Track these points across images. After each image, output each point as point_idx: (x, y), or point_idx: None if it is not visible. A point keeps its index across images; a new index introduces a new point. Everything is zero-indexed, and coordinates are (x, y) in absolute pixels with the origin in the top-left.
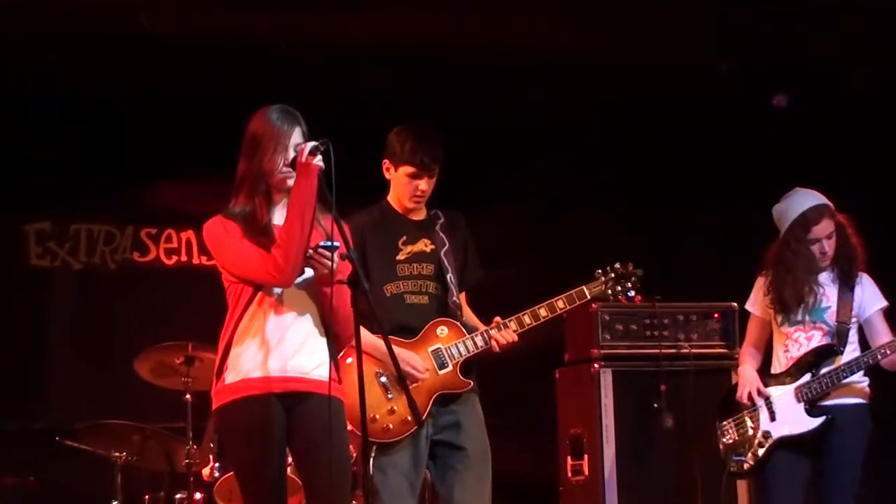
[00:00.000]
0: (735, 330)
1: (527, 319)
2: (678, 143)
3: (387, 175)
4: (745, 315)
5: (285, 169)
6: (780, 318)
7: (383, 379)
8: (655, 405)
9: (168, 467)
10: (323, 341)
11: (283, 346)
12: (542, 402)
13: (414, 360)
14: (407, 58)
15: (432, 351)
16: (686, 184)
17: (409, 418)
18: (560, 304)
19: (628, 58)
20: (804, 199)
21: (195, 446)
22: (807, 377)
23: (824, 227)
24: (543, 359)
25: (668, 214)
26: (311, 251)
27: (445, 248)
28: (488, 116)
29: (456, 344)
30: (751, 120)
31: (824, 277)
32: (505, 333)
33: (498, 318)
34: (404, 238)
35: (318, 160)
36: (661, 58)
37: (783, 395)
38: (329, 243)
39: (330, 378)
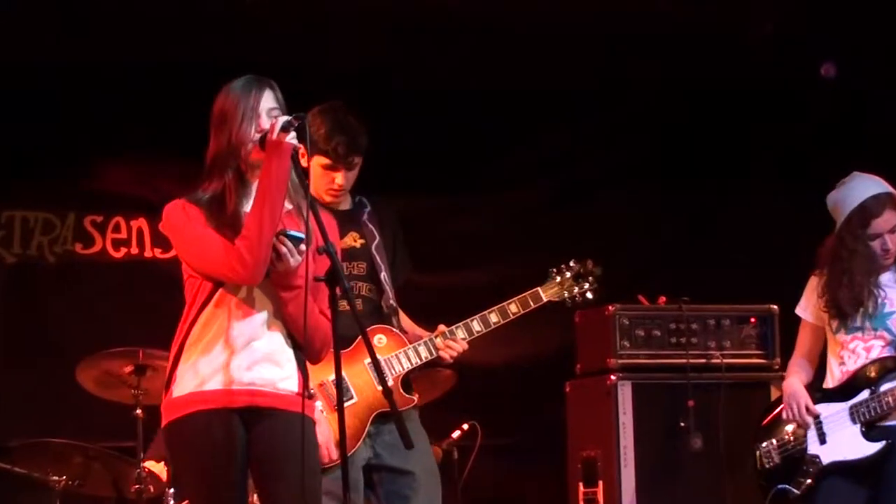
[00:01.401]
0: (775, 337)
1: (476, 326)
2: (711, 118)
3: (301, 162)
4: (786, 320)
5: (257, 136)
6: (835, 325)
7: (318, 403)
8: (682, 424)
9: (115, 493)
10: (291, 351)
11: (246, 354)
12: (550, 419)
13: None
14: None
15: (369, 364)
16: (721, 165)
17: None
18: (513, 308)
19: (656, 26)
20: (863, 187)
21: (147, 469)
22: (864, 394)
23: (887, 220)
24: (551, 370)
25: (699, 201)
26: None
27: (376, 241)
28: (501, 81)
29: (397, 354)
30: (799, 92)
31: (887, 278)
32: (452, 343)
33: (443, 326)
34: None
35: (291, 138)
36: (693, 25)
37: (836, 415)
38: (295, 233)
39: (302, 393)
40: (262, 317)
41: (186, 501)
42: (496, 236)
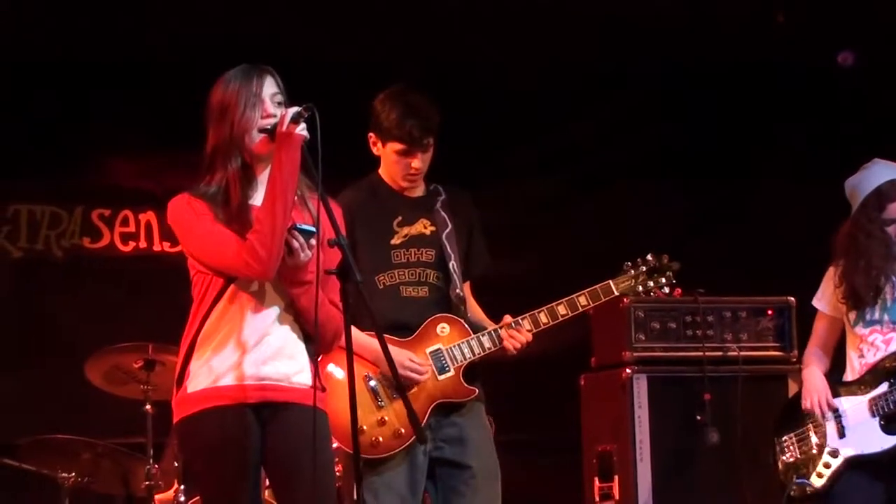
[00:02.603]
0: (792, 329)
1: (543, 318)
2: (730, 108)
3: (374, 151)
4: (804, 312)
5: (265, 122)
6: (853, 317)
7: (373, 383)
8: (698, 418)
9: (124, 490)
10: (303, 344)
11: (259, 349)
12: (565, 413)
13: (412, 359)
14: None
15: (431, 352)
16: (736, 157)
17: (403, 430)
18: (582, 300)
19: (678, 12)
20: (880, 172)
21: (156, 466)
22: (883, 387)
23: None
24: (566, 363)
25: (716, 192)
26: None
27: (448, 229)
28: (505, 77)
29: (459, 344)
30: (818, 82)
31: None
32: (517, 333)
33: (508, 316)
34: (399, 218)
35: (301, 129)
36: (714, 13)
37: (855, 408)
38: (306, 227)
39: (314, 386)
40: (274, 311)
41: (197, 498)
42: (512, 228)
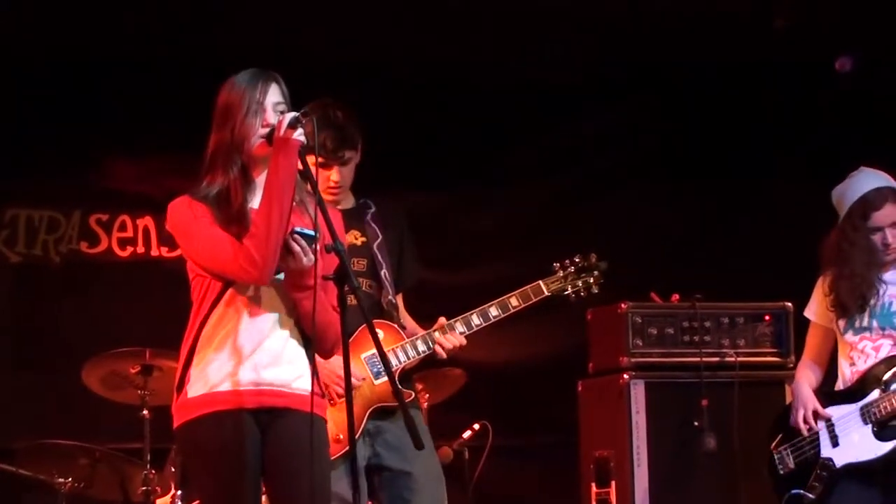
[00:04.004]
0: (789, 335)
1: (475, 320)
2: (726, 113)
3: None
4: (801, 318)
5: (264, 130)
6: (842, 325)
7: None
8: (695, 423)
9: (121, 496)
10: (303, 350)
11: (258, 355)
12: (562, 419)
13: (339, 369)
14: None
15: (366, 357)
16: (735, 160)
17: (341, 436)
18: (513, 301)
19: (679, 13)
20: (866, 181)
21: (153, 471)
22: (875, 394)
23: (887, 214)
24: (563, 369)
25: (713, 198)
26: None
27: (378, 240)
28: (504, 78)
29: (394, 349)
30: (818, 86)
31: (892, 275)
32: (450, 337)
33: (442, 319)
34: None
35: (298, 134)
36: (715, 14)
37: (847, 416)
38: (306, 231)
39: (312, 392)
40: (273, 316)
41: (196, 503)
42: (504, 233)
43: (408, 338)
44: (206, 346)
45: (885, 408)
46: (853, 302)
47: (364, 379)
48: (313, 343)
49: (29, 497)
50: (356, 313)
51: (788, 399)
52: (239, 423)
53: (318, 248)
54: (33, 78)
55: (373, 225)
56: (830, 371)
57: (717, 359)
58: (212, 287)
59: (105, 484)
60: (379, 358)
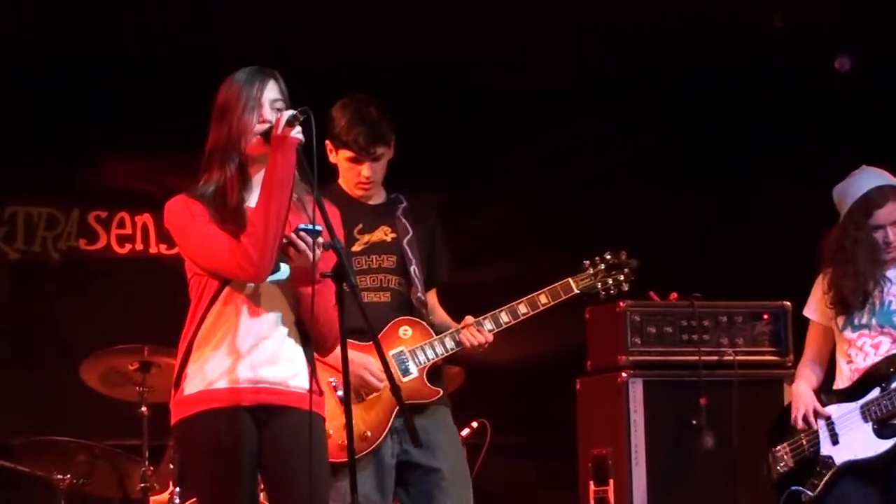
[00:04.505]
0: (788, 333)
1: (504, 317)
2: (723, 109)
3: (330, 157)
4: (800, 317)
5: (261, 127)
6: (841, 322)
7: (340, 392)
8: (694, 422)
9: (120, 492)
10: (301, 348)
11: (256, 353)
12: (560, 417)
13: (371, 364)
14: None
15: (394, 354)
16: (734, 160)
17: (369, 433)
18: (542, 298)
19: (679, 13)
20: (867, 179)
21: (151, 468)
22: (875, 392)
23: (889, 212)
24: (562, 367)
25: (712, 197)
26: (287, 237)
27: (409, 236)
28: (504, 77)
29: (422, 346)
30: (815, 85)
31: (893, 273)
32: (478, 334)
33: (470, 317)
34: (360, 226)
35: (296, 132)
36: (708, 13)
37: (847, 414)
38: (311, 227)
39: (311, 390)
40: (271, 314)
41: (193, 500)
42: (503, 233)
43: (436, 334)
44: (203, 344)
45: (886, 406)
46: (856, 299)
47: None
48: (312, 340)
49: (28, 493)
50: (384, 310)
51: (787, 398)
52: (236, 421)
53: (315, 244)
54: (33, 76)
55: (403, 220)
56: (829, 369)
57: (715, 357)
58: (209, 285)
59: (103, 480)
60: (409, 352)
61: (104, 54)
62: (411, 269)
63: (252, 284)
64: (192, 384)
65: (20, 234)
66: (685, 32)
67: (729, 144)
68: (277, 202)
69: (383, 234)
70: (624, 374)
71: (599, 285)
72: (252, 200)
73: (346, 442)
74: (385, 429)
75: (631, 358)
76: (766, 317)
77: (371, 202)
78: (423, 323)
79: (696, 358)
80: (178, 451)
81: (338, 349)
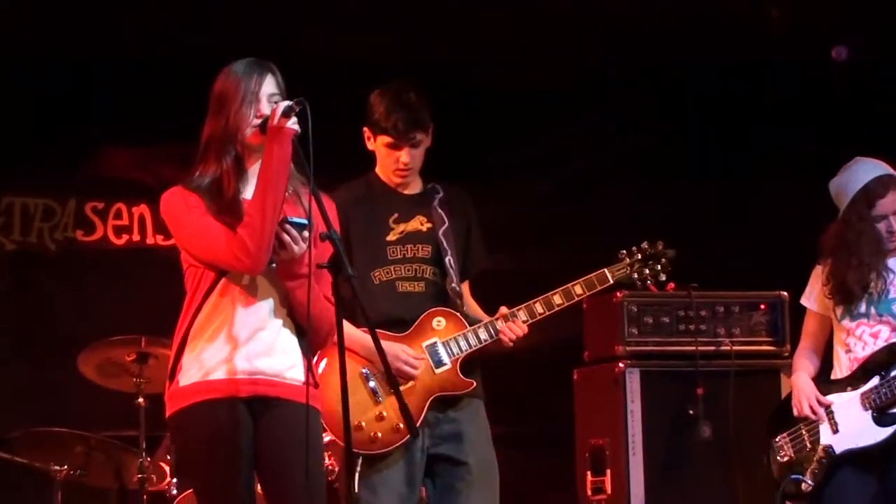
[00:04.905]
0: (785, 324)
1: (539, 308)
2: (723, 109)
3: (368, 145)
4: (797, 307)
5: (257, 121)
6: (839, 311)
7: (371, 383)
8: (691, 412)
9: (117, 483)
10: (296, 339)
11: (252, 344)
12: (558, 408)
13: (406, 353)
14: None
15: (427, 346)
16: (732, 155)
17: (401, 425)
18: (578, 289)
19: (677, 12)
20: (866, 170)
21: (149, 459)
22: (875, 381)
23: (891, 202)
24: (559, 357)
25: (710, 190)
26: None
27: (444, 226)
28: (504, 76)
29: (456, 338)
30: (810, 81)
31: (893, 262)
32: (513, 325)
33: (504, 308)
34: (396, 215)
35: (292, 123)
36: (708, 13)
37: (847, 403)
38: (298, 220)
39: (306, 382)
40: (267, 305)
41: (190, 491)
42: (503, 229)
43: (470, 326)
44: (199, 335)
45: (885, 394)
46: (860, 290)
47: (422, 363)
48: (307, 332)
49: (25, 485)
50: (419, 300)
51: (784, 388)
52: (232, 412)
53: (312, 236)
54: (31, 72)
55: (439, 211)
56: (826, 359)
57: (712, 347)
58: (205, 277)
59: (101, 472)
60: (442, 343)
61: (103, 50)
62: (447, 259)
63: (248, 276)
64: (188, 375)
65: (17, 225)
66: (685, 32)
67: (728, 143)
68: (273, 193)
69: (419, 223)
70: (621, 365)
71: (636, 275)
72: (248, 192)
73: (377, 435)
74: (417, 421)
75: (628, 348)
76: (762, 307)
77: (407, 192)
78: (457, 314)
79: (693, 348)
80: (174, 442)
81: (368, 340)
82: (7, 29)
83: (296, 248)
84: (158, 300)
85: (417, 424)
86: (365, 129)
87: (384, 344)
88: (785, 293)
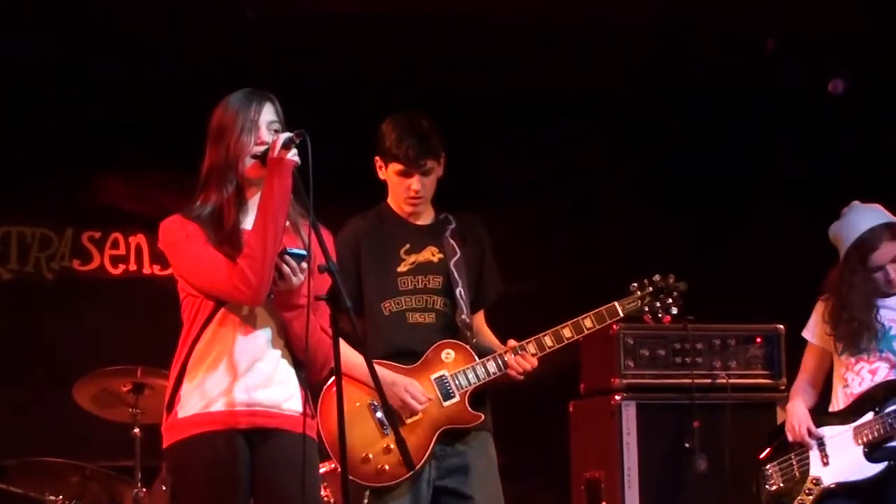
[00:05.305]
0: (781, 357)
1: (548, 341)
2: (724, 136)
3: (380, 174)
4: (793, 341)
5: (258, 149)
6: (840, 347)
7: (379, 414)
8: (687, 445)
9: None
10: (294, 370)
11: (250, 375)
12: (554, 440)
13: (413, 387)
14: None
15: (436, 378)
16: (731, 183)
17: None
18: (588, 322)
19: (673, 39)
20: (859, 220)
21: (144, 490)
22: (868, 416)
23: (885, 252)
24: (555, 389)
25: (705, 220)
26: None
27: (456, 257)
28: (507, 95)
29: (464, 370)
30: (811, 111)
31: (894, 302)
32: (521, 359)
33: (513, 341)
34: (407, 246)
35: (292, 154)
36: (709, 39)
37: (839, 437)
38: (297, 251)
39: (304, 413)
40: (265, 336)
41: None
42: (511, 251)
43: (479, 358)
44: (197, 366)
45: (878, 430)
46: (851, 343)
47: (431, 400)
48: (305, 363)
49: None
50: (428, 331)
51: (780, 421)
52: (230, 444)
53: (311, 268)
54: (26, 96)
55: (451, 241)
56: (825, 392)
57: (708, 380)
58: (203, 307)
59: (96, 502)
60: (451, 376)
61: (100, 79)
62: (457, 290)
63: (247, 306)
64: (187, 407)
65: (14, 254)
66: (679, 60)
67: (724, 168)
68: (273, 224)
69: (430, 254)
70: (617, 397)
71: (647, 309)
72: (248, 222)
73: (384, 468)
74: (425, 454)
75: (624, 381)
76: (759, 340)
77: (419, 222)
78: (467, 346)
79: (690, 381)
80: (171, 474)
81: (382, 373)
82: (5, 57)
83: (294, 279)
84: (155, 330)
85: (425, 456)
86: (376, 157)
87: (394, 376)
88: (781, 326)
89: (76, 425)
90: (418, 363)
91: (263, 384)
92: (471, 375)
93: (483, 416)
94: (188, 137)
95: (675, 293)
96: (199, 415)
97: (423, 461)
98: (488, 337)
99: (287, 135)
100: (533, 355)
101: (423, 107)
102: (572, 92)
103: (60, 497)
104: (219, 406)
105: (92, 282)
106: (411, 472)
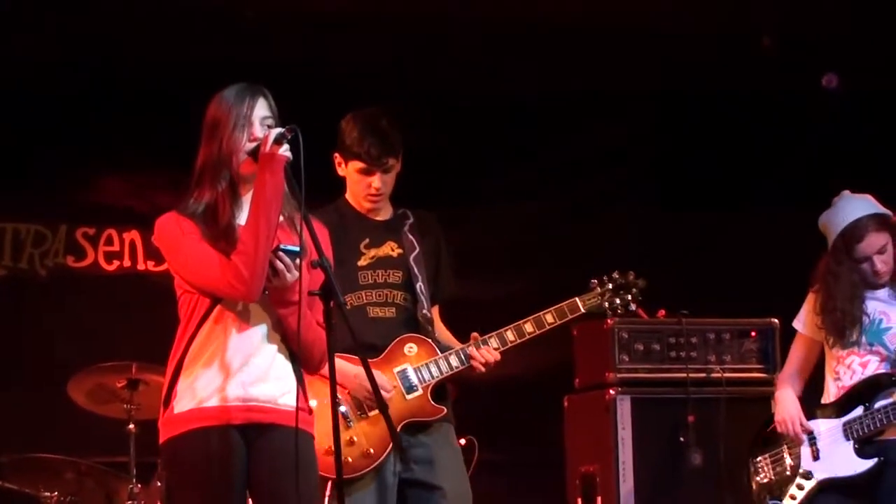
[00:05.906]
0: (775, 351)
1: (510, 336)
2: (719, 135)
3: (339, 171)
4: (787, 334)
5: (250, 145)
6: (831, 340)
7: (342, 408)
8: (682, 439)
9: None
10: (290, 365)
11: (246, 370)
12: (548, 434)
13: (378, 377)
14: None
15: (398, 372)
16: (727, 180)
17: (371, 450)
18: (549, 318)
19: (671, 40)
20: (847, 211)
21: (139, 485)
22: (858, 411)
23: (872, 243)
24: (550, 384)
25: (701, 216)
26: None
27: (415, 252)
28: (498, 95)
29: (427, 364)
30: (804, 109)
31: (884, 294)
32: (484, 352)
33: (475, 334)
34: (367, 241)
35: (284, 150)
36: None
37: (830, 431)
38: (290, 247)
39: (298, 408)
40: (260, 332)
41: None
42: (492, 252)
43: (441, 352)
44: (194, 362)
45: (868, 426)
46: (837, 334)
47: (394, 389)
48: (299, 359)
49: None
50: (390, 325)
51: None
52: (226, 439)
53: (304, 263)
54: (21, 93)
55: (410, 237)
56: (817, 384)
57: (703, 375)
58: (200, 303)
59: (91, 498)
60: (413, 369)
61: (94, 77)
62: (417, 285)
63: (242, 302)
64: (183, 402)
65: (7, 251)
66: (676, 62)
67: (721, 167)
68: (266, 220)
69: (390, 249)
70: (612, 392)
71: (607, 305)
72: (242, 218)
73: (346, 459)
74: (388, 446)
75: (619, 375)
76: (753, 334)
77: (378, 218)
78: (429, 340)
79: (684, 375)
80: (166, 470)
81: (342, 365)
82: (4, 57)
83: (288, 276)
84: (149, 326)
85: (388, 449)
86: (336, 154)
87: (354, 369)
88: (776, 320)
89: (71, 421)
90: (380, 357)
91: (260, 379)
92: (433, 369)
93: (445, 410)
94: (184, 135)
95: (634, 290)
96: (195, 410)
97: (385, 454)
98: (444, 332)
99: (278, 130)
100: (496, 349)
101: (422, 107)
102: (572, 92)
103: (55, 493)
104: (214, 402)
105: (86, 278)
106: (375, 464)
